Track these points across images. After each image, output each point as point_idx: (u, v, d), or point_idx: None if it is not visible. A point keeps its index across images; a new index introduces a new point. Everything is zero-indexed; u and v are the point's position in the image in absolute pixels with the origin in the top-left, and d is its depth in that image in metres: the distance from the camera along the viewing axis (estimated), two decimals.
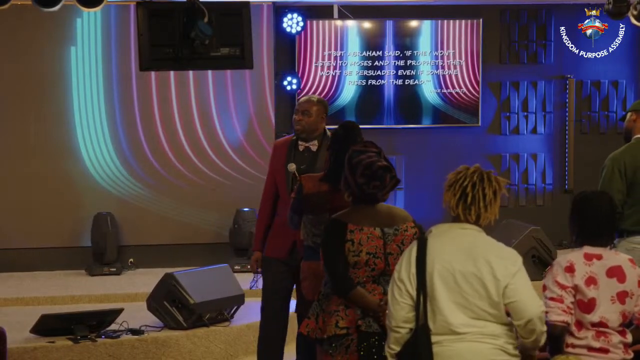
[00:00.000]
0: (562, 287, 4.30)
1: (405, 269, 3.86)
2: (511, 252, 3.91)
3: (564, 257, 4.40)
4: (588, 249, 4.39)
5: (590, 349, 4.32)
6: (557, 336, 4.29)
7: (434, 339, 3.80)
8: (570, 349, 4.33)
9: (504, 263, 3.84)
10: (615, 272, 4.34)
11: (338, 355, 4.43)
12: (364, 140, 4.83)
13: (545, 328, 3.89)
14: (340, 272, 4.43)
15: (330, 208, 5.17)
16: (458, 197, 3.89)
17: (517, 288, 3.81)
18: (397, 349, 3.86)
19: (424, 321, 3.79)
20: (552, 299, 4.30)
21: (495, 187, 3.91)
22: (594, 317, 4.30)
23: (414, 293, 3.82)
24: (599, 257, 4.36)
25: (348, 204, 4.65)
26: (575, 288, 4.30)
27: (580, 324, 4.33)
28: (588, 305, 4.31)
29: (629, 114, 6.14)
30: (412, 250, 3.88)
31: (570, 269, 4.32)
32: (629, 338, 4.38)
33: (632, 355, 4.40)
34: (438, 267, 3.81)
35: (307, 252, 5.40)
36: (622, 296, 4.32)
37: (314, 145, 6.03)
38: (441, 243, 3.87)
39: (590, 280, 4.31)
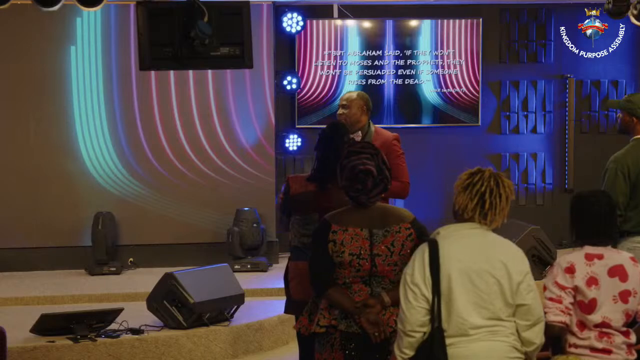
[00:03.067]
0: (562, 287, 4.30)
1: (419, 273, 3.84)
2: (520, 251, 3.97)
3: (565, 257, 4.40)
4: (589, 249, 4.39)
5: (593, 349, 4.32)
6: (555, 336, 4.29)
7: (448, 340, 3.80)
8: (572, 349, 4.33)
9: (517, 261, 3.89)
10: (617, 272, 4.34)
11: (325, 352, 4.45)
12: (363, 142, 4.82)
13: (542, 341, 3.90)
14: (317, 272, 4.44)
15: (318, 208, 5.20)
16: (476, 203, 3.89)
17: (530, 288, 3.86)
18: (411, 353, 3.85)
19: (439, 323, 3.79)
20: (551, 299, 4.31)
21: (508, 193, 3.94)
22: (596, 317, 4.30)
23: (429, 296, 3.81)
24: (600, 257, 4.36)
25: (335, 204, 4.67)
26: (575, 289, 4.31)
27: (582, 325, 4.33)
28: (589, 306, 4.31)
29: (622, 113, 6.11)
30: (424, 253, 3.87)
31: (570, 270, 4.32)
32: (633, 338, 4.38)
33: (635, 355, 4.40)
34: (454, 269, 3.82)
35: (295, 252, 5.45)
36: (624, 295, 4.32)
37: (357, 136, 6.17)
38: (453, 244, 3.88)
39: (592, 281, 4.31)
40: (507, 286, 3.82)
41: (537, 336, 3.88)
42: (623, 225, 5.86)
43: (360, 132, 6.22)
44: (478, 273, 3.82)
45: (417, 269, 3.85)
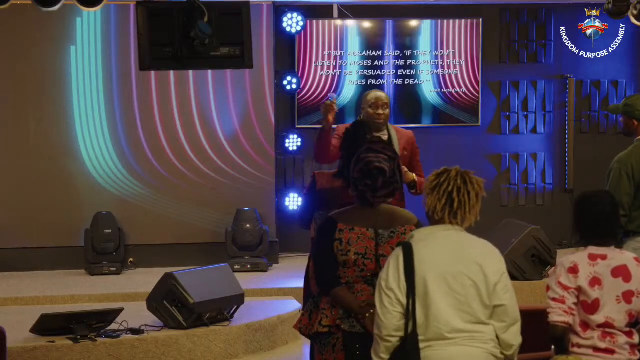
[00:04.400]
0: (565, 288, 4.30)
1: (393, 277, 3.81)
2: (495, 251, 3.92)
3: (568, 258, 4.39)
4: (592, 250, 4.38)
5: (596, 349, 4.31)
6: (559, 337, 4.29)
7: (424, 344, 3.77)
8: (576, 349, 4.33)
9: (493, 261, 3.85)
10: (621, 272, 4.33)
11: (326, 353, 4.45)
12: (385, 143, 4.84)
13: (520, 342, 3.88)
14: (323, 271, 4.44)
15: (343, 204, 5.21)
16: (444, 203, 3.86)
17: (506, 289, 3.83)
18: (387, 357, 3.83)
19: (414, 328, 3.76)
20: (554, 299, 4.30)
21: (477, 190, 3.90)
22: (599, 317, 4.29)
23: (404, 300, 3.78)
24: (604, 257, 4.35)
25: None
26: (579, 289, 4.30)
27: (585, 325, 4.33)
28: (592, 307, 4.30)
29: (622, 117, 6.15)
30: (398, 258, 3.84)
31: (573, 270, 4.32)
32: (636, 339, 4.38)
33: (638, 356, 4.40)
34: (430, 272, 3.79)
35: None
36: (628, 296, 4.32)
37: (384, 135, 6.20)
38: (427, 247, 3.85)
39: (595, 281, 4.31)
40: (483, 287, 3.78)
41: (514, 338, 3.84)
42: (628, 226, 5.88)
43: (385, 131, 6.26)
44: (454, 275, 3.78)
45: (391, 274, 3.82)
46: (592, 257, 4.35)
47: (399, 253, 3.85)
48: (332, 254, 4.39)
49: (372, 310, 4.31)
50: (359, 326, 4.37)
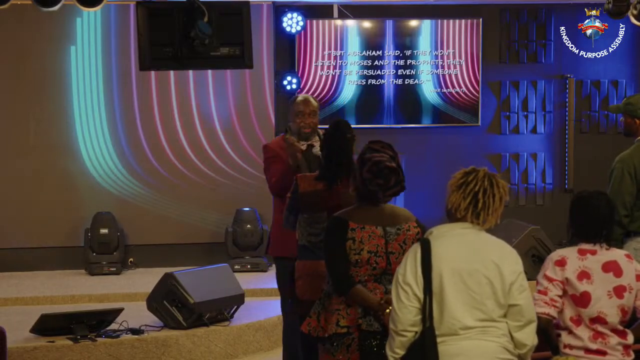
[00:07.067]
0: (550, 280, 4.33)
1: (411, 272, 3.83)
2: (513, 251, 3.95)
3: (557, 252, 4.45)
4: (583, 246, 4.42)
5: (587, 350, 4.32)
6: (542, 329, 4.29)
7: (438, 339, 3.79)
8: (567, 350, 4.34)
9: (509, 261, 3.87)
10: (611, 267, 4.36)
11: (339, 354, 4.43)
12: (383, 142, 4.86)
13: (534, 342, 3.89)
14: (340, 271, 4.43)
15: (326, 207, 5.21)
16: (469, 202, 3.88)
17: (522, 289, 3.84)
18: (402, 352, 3.84)
19: (430, 323, 3.79)
20: (538, 291, 4.36)
21: (502, 194, 3.92)
22: (592, 311, 4.31)
23: (421, 295, 3.79)
24: (593, 253, 4.39)
25: (343, 203, 4.68)
26: (566, 282, 4.33)
27: (578, 321, 4.34)
28: (582, 300, 4.32)
29: (624, 117, 6.14)
30: (416, 253, 3.86)
31: (561, 263, 4.36)
32: (630, 339, 4.38)
33: (632, 356, 4.40)
34: (446, 268, 3.81)
35: (302, 251, 5.44)
36: (619, 291, 4.33)
37: (316, 142, 6.09)
38: (445, 244, 3.87)
39: (583, 275, 4.33)
40: (499, 286, 3.80)
41: (528, 337, 3.84)
42: (630, 225, 5.88)
43: (317, 138, 6.10)
44: (470, 273, 3.80)
45: (409, 269, 3.84)
46: (582, 252, 4.38)
47: (417, 248, 3.87)
48: (345, 253, 4.40)
49: (391, 307, 4.32)
50: (376, 324, 4.38)
